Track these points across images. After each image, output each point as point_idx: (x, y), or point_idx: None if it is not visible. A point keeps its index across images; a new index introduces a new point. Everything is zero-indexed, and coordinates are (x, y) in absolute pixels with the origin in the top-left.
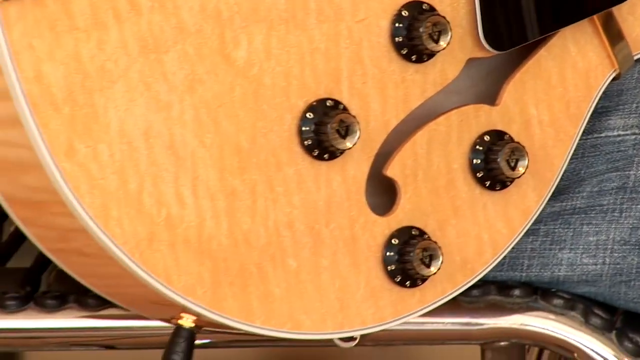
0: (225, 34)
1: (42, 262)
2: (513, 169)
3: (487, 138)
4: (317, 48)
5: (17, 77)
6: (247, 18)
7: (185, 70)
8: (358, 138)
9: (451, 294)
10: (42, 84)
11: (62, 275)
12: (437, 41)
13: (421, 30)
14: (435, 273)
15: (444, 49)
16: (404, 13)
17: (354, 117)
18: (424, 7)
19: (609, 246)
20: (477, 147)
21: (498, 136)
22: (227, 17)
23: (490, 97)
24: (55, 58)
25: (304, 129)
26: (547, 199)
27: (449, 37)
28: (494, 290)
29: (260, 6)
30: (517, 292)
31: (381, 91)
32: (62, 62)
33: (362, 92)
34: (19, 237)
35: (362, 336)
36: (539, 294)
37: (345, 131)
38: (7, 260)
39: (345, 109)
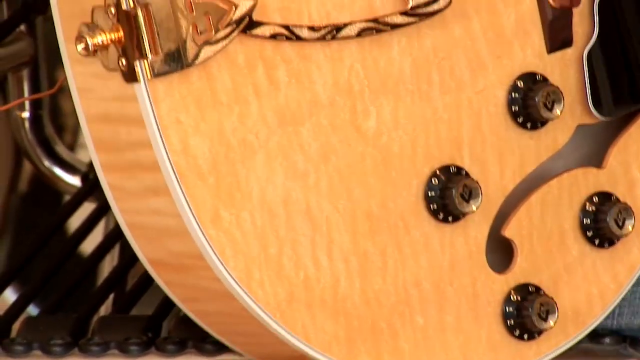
0: (356, 106)
1: (164, 309)
2: (621, 227)
3: (595, 199)
4: (441, 118)
5: (165, 150)
6: (376, 91)
7: (320, 141)
8: (480, 202)
9: (564, 345)
10: (189, 156)
11: (182, 322)
12: (551, 110)
13: (536, 99)
14: (552, 327)
15: (557, 117)
16: (519, 84)
17: (476, 182)
18: (537, 78)
19: None
20: (587, 207)
21: (605, 197)
22: (358, 90)
23: (592, 158)
24: (200, 131)
25: (429, 194)
26: None
27: (562, 105)
28: (585, 337)
29: (388, 80)
30: (607, 339)
31: (499, 157)
32: (207, 135)
33: (482, 159)
34: (141, 287)
35: None
36: (628, 341)
37: (469, 195)
38: (131, 308)
39: (467, 175)
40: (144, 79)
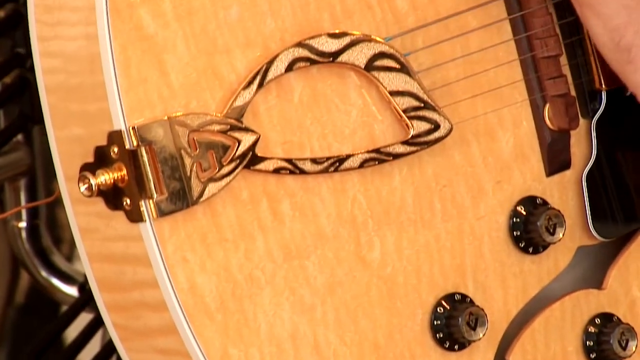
0: (360, 237)
1: None
2: (624, 348)
3: (597, 320)
4: (444, 246)
5: (173, 289)
6: (380, 221)
7: (325, 274)
8: (487, 329)
9: None
10: (196, 294)
11: None
12: (553, 233)
13: (538, 224)
14: None
15: (560, 240)
16: (520, 208)
17: (482, 309)
18: (537, 202)
19: None
20: (589, 329)
21: (607, 318)
22: (361, 222)
23: (590, 278)
24: (207, 269)
25: (435, 323)
26: None
27: (564, 229)
28: None
29: (390, 210)
30: None
31: (502, 283)
32: (214, 273)
33: (485, 285)
34: None
35: None
36: None
37: (475, 323)
38: None
39: (472, 302)
40: (149, 218)
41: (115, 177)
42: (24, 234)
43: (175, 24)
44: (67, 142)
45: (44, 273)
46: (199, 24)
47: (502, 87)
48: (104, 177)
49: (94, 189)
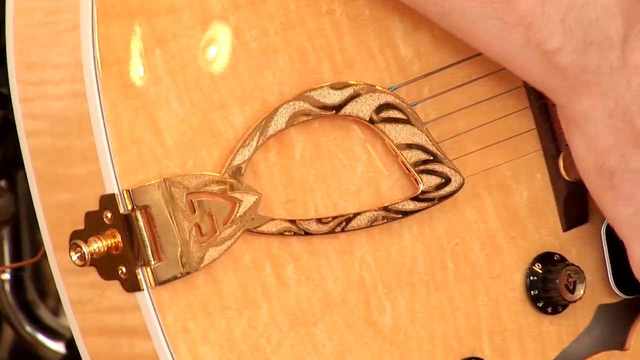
0: (370, 301)
1: None
2: None
3: None
4: (458, 307)
5: None
6: (390, 283)
7: (334, 341)
8: None
9: None
10: None
11: None
12: (573, 291)
13: (557, 281)
14: None
15: (580, 298)
16: (537, 266)
17: None
18: (555, 258)
19: None
20: None
21: None
22: (371, 284)
23: (610, 339)
24: (210, 339)
25: None
26: None
27: (584, 286)
28: None
29: (401, 271)
30: None
31: (520, 345)
32: (217, 343)
33: (503, 349)
34: None
35: None
36: None
37: None
38: None
39: None
40: (147, 287)
41: (109, 245)
42: (7, 287)
43: (168, 79)
44: (54, 209)
45: (28, 328)
46: (193, 78)
47: (513, 137)
48: (97, 245)
49: (86, 257)
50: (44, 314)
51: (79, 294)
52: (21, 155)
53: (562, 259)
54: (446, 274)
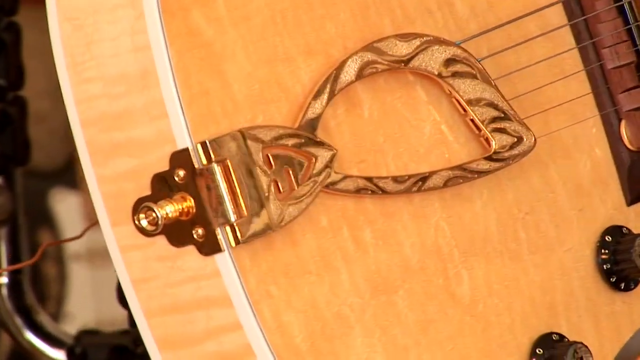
0: (447, 270)
1: None
2: None
3: None
4: (533, 280)
5: (261, 329)
6: (466, 252)
7: (416, 311)
8: None
9: None
10: (286, 334)
11: None
12: None
13: (631, 251)
14: None
15: None
16: (607, 238)
17: (586, 347)
18: (624, 231)
19: None
20: None
21: None
22: (447, 252)
23: None
24: (293, 306)
25: None
26: None
27: None
28: None
29: (475, 239)
30: None
31: (595, 325)
32: (301, 310)
33: (579, 327)
34: None
35: None
36: None
37: None
38: None
39: (569, 342)
40: (227, 247)
41: (182, 209)
42: (4, 291)
43: (233, 30)
44: (112, 180)
45: (27, 335)
46: (257, 30)
47: (571, 101)
48: (169, 208)
49: (159, 221)
50: (44, 319)
51: (143, 270)
52: (20, 150)
53: (631, 233)
54: (519, 245)
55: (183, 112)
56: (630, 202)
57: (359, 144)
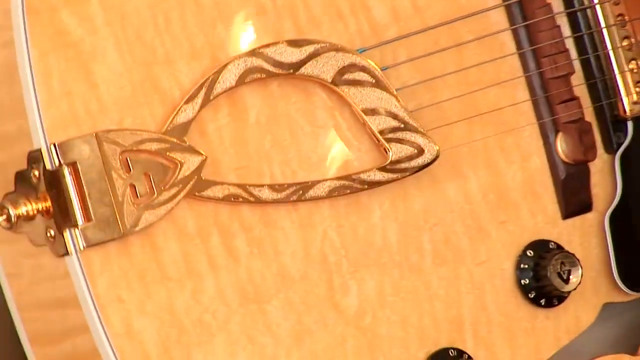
0: (333, 279)
1: None
2: None
3: None
4: (436, 293)
5: (105, 333)
6: (356, 262)
7: (291, 321)
8: None
9: None
10: (134, 340)
11: None
12: (567, 281)
13: (548, 269)
14: None
15: (575, 289)
16: (529, 253)
17: None
18: (550, 246)
19: None
20: None
21: None
22: (334, 262)
23: (621, 341)
24: (147, 311)
25: None
26: None
27: (579, 274)
28: None
29: (369, 249)
30: None
31: (510, 340)
32: (155, 316)
33: (488, 342)
34: None
35: None
36: None
37: None
38: None
39: (468, 358)
40: (75, 250)
41: (39, 208)
42: None
43: (106, 29)
44: None
45: None
46: (134, 30)
47: (504, 108)
48: (26, 208)
49: (12, 220)
50: None
51: (15, 265)
52: None
53: (559, 248)
54: (423, 256)
55: (39, 112)
56: (565, 215)
57: (240, 149)
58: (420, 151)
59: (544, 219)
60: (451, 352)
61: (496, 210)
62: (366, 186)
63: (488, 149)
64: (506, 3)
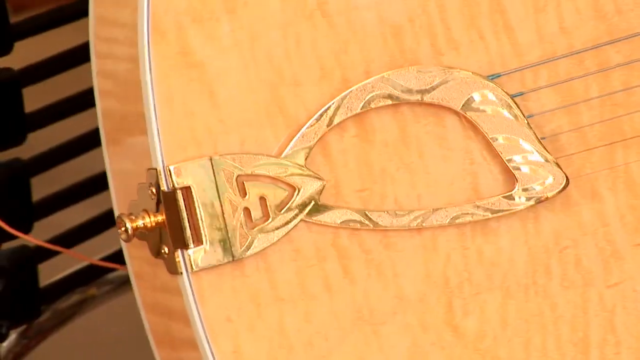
0: (452, 302)
1: None
2: None
3: None
4: (561, 316)
5: (212, 353)
6: (479, 285)
7: (406, 342)
8: None
9: None
10: (242, 359)
11: None
12: None
13: None
14: None
15: None
16: None
17: None
18: None
19: None
20: None
21: None
22: (456, 285)
23: None
24: (256, 332)
25: None
26: None
27: None
28: None
29: (494, 273)
30: None
31: None
32: (265, 337)
33: None
34: None
35: None
36: None
37: None
38: None
39: None
40: (186, 271)
41: (158, 221)
42: None
43: (233, 50)
44: (120, 176)
45: None
46: (263, 50)
47: None
48: (143, 221)
49: (129, 232)
50: None
51: (140, 267)
52: None
53: None
54: (550, 279)
55: (159, 133)
56: None
57: (364, 171)
58: (549, 180)
59: None
60: None
61: (633, 233)
62: (489, 214)
63: (630, 171)
64: None
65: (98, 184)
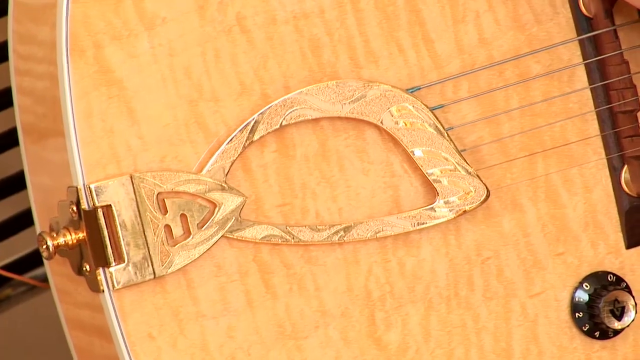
0: (375, 315)
1: None
2: None
3: None
4: (484, 327)
5: None
6: (401, 297)
7: (329, 357)
8: None
9: None
10: None
11: None
12: (619, 318)
13: (601, 306)
14: None
15: (626, 327)
16: (585, 286)
17: None
18: (609, 279)
19: None
20: None
21: None
22: (378, 298)
23: None
24: (178, 348)
25: None
26: None
27: (632, 317)
28: None
29: (416, 285)
30: None
31: None
32: (187, 352)
33: None
34: None
35: None
36: None
37: None
38: None
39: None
40: (107, 289)
41: (79, 238)
42: None
43: (152, 67)
44: (40, 191)
45: None
46: (182, 66)
47: (571, 144)
48: (65, 239)
49: (50, 250)
50: None
51: (62, 283)
52: None
53: (618, 280)
54: (472, 291)
55: (79, 151)
56: (628, 246)
57: (285, 186)
58: (469, 192)
59: (606, 249)
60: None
61: (554, 242)
62: (411, 227)
63: (550, 182)
64: (579, 38)
65: (15, 185)
